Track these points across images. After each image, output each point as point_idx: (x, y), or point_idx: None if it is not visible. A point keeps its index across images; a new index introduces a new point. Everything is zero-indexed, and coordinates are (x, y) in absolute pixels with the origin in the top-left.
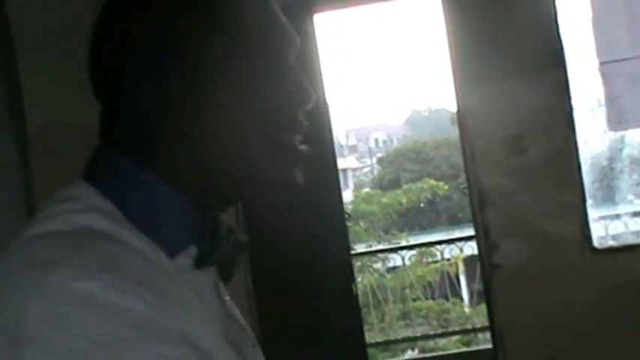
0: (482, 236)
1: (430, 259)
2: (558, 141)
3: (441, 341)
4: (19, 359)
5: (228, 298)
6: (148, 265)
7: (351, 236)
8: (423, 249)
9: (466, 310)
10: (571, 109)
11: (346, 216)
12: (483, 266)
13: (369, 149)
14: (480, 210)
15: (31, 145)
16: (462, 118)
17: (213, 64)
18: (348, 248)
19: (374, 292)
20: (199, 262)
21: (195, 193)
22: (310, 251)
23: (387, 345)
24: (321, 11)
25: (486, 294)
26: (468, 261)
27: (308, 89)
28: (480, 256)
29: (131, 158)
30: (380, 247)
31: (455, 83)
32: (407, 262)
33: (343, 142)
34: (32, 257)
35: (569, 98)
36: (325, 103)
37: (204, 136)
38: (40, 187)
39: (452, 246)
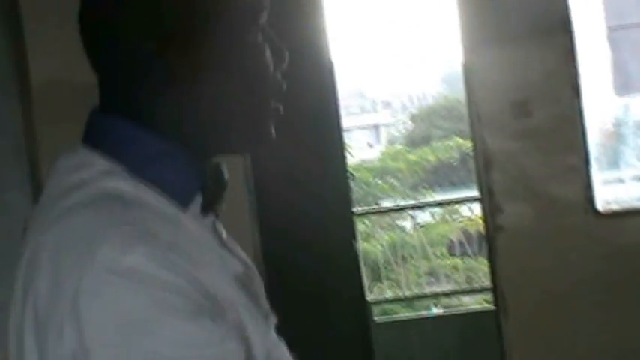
0: (486, 198)
1: (456, 217)
2: (564, 105)
3: (465, 298)
4: (77, 331)
5: (225, 234)
6: (171, 227)
7: (377, 192)
8: (450, 206)
9: None
10: (577, 73)
11: (350, 176)
12: (487, 228)
13: (403, 105)
14: (484, 172)
15: (34, 102)
16: (468, 80)
17: (203, 33)
18: (350, 208)
19: (400, 249)
20: (207, 209)
21: (192, 145)
22: (313, 209)
23: (410, 301)
24: None
25: (489, 255)
26: None
27: (281, 50)
28: (484, 218)
29: (127, 118)
30: (404, 203)
31: (462, 46)
32: (432, 220)
33: (376, 98)
34: (73, 231)
35: (576, 63)
36: (330, 62)
37: (199, 92)
38: (43, 144)
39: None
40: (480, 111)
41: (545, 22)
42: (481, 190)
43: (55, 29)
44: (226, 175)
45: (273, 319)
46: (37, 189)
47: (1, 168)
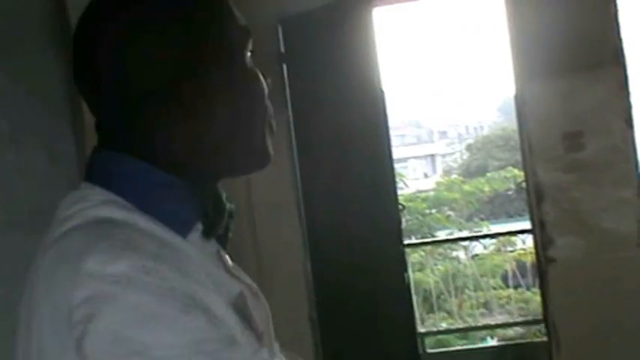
0: (538, 230)
1: (510, 248)
2: (616, 138)
3: (519, 330)
4: (75, 344)
5: (230, 262)
6: (161, 244)
7: (432, 223)
8: (504, 237)
9: None
10: (630, 106)
11: (401, 207)
12: (539, 259)
13: (459, 135)
14: (536, 204)
15: (86, 132)
16: (520, 112)
17: (206, 63)
18: (401, 239)
19: (454, 280)
20: (207, 235)
21: (192, 174)
22: (364, 240)
23: (465, 332)
24: (381, 5)
25: (541, 287)
26: None
27: (264, 73)
28: (535, 250)
29: (124, 152)
30: (459, 234)
31: (514, 77)
32: (486, 251)
33: (433, 127)
34: (63, 251)
35: (628, 95)
36: (381, 92)
37: (203, 118)
38: None
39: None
40: (531, 142)
41: (597, 55)
42: (533, 222)
43: None
44: (227, 202)
45: (276, 345)
46: None
47: (56, 195)
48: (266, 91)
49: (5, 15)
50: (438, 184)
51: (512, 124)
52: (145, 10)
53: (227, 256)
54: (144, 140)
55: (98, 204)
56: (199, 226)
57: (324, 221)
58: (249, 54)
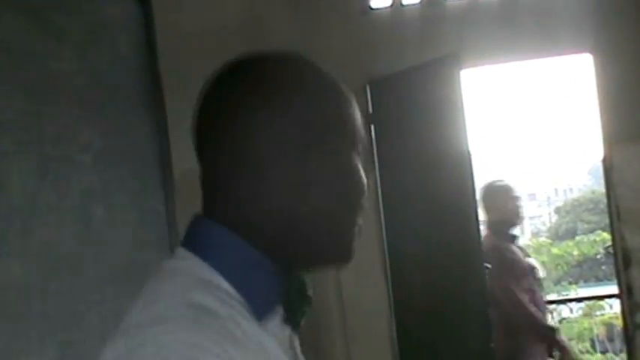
0: (625, 295)
1: (599, 312)
2: None
3: None
4: None
5: (298, 348)
6: (242, 333)
7: None
8: (592, 302)
9: None
10: None
11: (486, 268)
12: (626, 325)
13: (548, 198)
14: (624, 269)
15: (176, 190)
16: (608, 176)
17: (322, 146)
18: (487, 302)
19: None
20: (288, 321)
21: (280, 257)
22: (449, 300)
23: None
24: (469, 67)
25: (628, 353)
26: None
27: (365, 181)
28: (622, 315)
29: (224, 224)
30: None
31: (602, 141)
32: (573, 314)
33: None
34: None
35: None
36: (468, 153)
37: (304, 204)
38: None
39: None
40: (619, 207)
41: None
42: (620, 287)
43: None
44: (310, 292)
45: None
46: None
47: (145, 252)
48: (366, 190)
49: (100, 73)
50: (527, 246)
51: (602, 187)
52: (276, 90)
53: (297, 342)
54: (241, 213)
55: (193, 287)
56: (280, 310)
57: (410, 282)
58: (360, 152)
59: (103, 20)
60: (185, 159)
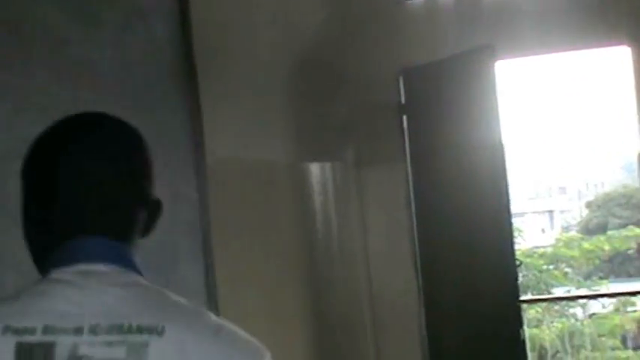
0: None
1: (630, 309)
2: None
3: None
4: None
5: None
6: None
7: (549, 279)
8: (623, 297)
9: None
10: None
11: (518, 262)
12: None
13: (579, 191)
14: None
15: (208, 178)
16: None
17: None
18: (517, 295)
19: (571, 338)
20: None
21: None
22: (480, 294)
23: None
24: (504, 58)
25: None
26: None
27: None
28: None
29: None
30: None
31: (639, 136)
32: (604, 310)
33: (552, 183)
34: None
35: None
36: (501, 146)
37: None
38: (215, 218)
39: None
40: None
41: None
42: None
43: (229, 109)
44: None
45: None
46: (207, 262)
47: (176, 240)
48: None
49: (135, 61)
50: (557, 240)
51: (634, 182)
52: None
53: None
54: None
55: None
56: None
57: (440, 272)
58: None
59: (139, 8)
60: (218, 147)
